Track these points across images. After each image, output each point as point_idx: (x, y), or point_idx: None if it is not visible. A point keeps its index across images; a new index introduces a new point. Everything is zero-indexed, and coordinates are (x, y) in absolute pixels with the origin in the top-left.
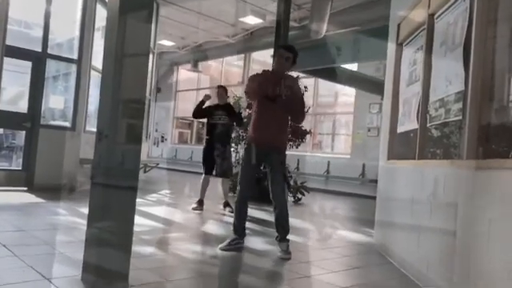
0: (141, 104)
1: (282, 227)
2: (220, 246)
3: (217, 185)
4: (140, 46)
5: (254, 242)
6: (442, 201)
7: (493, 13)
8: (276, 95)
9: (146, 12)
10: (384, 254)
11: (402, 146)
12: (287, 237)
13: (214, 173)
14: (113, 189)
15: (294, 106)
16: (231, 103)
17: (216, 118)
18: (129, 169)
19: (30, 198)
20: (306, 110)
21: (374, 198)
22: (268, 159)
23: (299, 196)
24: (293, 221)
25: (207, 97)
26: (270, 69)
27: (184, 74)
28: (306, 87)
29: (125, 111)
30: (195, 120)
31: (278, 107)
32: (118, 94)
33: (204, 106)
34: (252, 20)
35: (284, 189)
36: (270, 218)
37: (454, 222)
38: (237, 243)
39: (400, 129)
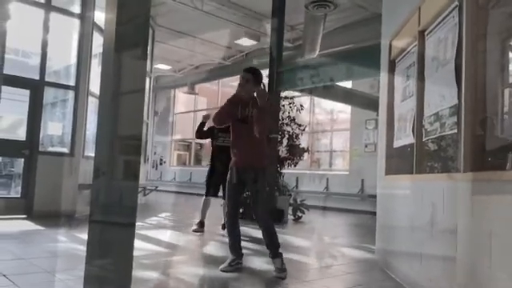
0: (138, 140)
1: (270, 244)
2: (221, 267)
3: (217, 206)
4: (136, 83)
5: (254, 261)
6: (442, 214)
7: (482, 27)
8: (246, 116)
9: (142, 49)
10: (386, 271)
11: (400, 161)
12: (279, 251)
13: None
14: (111, 226)
15: (262, 119)
16: None
17: (220, 140)
18: (127, 205)
19: (30, 225)
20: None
21: (375, 213)
22: (247, 180)
23: (299, 214)
24: (293, 239)
25: (206, 117)
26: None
27: (181, 96)
28: (302, 106)
29: (122, 148)
30: (193, 141)
31: (250, 128)
32: (115, 131)
33: (207, 127)
34: (246, 42)
35: (264, 206)
36: None
37: (455, 236)
38: (237, 263)
39: (396, 144)
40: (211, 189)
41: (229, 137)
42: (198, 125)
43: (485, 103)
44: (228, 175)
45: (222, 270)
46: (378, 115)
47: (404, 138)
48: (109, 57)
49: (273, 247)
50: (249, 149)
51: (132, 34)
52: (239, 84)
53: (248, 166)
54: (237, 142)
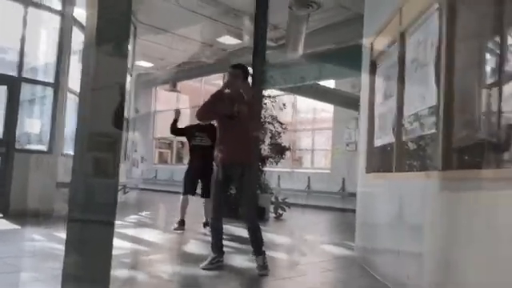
0: (117, 136)
1: (254, 241)
2: (201, 265)
3: (197, 204)
4: (117, 79)
5: (234, 259)
6: (419, 212)
7: (461, 30)
8: (232, 113)
9: (123, 44)
10: (366, 267)
11: (380, 160)
12: (262, 249)
13: (196, 192)
14: (89, 224)
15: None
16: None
17: (197, 139)
18: (106, 203)
19: (5, 224)
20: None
21: (355, 211)
22: (234, 177)
23: (280, 212)
24: (273, 236)
25: (177, 113)
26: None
27: (162, 94)
28: (284, 104)
29: (101, 145)
30: (175, 140)
31: (237, 125)
32: (94, 127)
33: (185, 126)
34: (229, 40)
35: (251, 203)
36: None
37: (431, 232)
38: (217, 261)
39: (377, 142)
40: (188, 187)
41: (206, 136)
42: (170, 124)
43: (462, 103)
44: (214, 172)
45: (203, 268)
46: (359, 114)
47: (384, 137)
48: (89, 52)
49: (257, 245)
50: (236, 145)
51: (113, 29)
52: (227, 80)
53: (235, 162)
54: (223, 139)
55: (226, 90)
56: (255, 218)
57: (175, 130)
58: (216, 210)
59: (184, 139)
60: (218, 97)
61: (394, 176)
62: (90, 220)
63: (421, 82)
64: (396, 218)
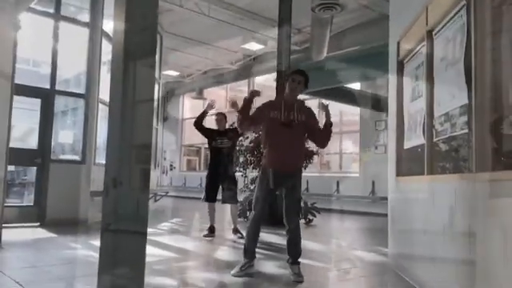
0: (148, 149)
1: (294, 250)
2: (232, 272)
3: (225, 210)
4: (145, 90)
5: (266, 266)
6: (454, 216)
7: (491, 25)
8: (290, 120)
9: (150, 56)
10: (400, 273)
11: (410, 162)
12: (299, 259)
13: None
14: (123, 234)
15: (323, 134)
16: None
17: (218, 142)
18: (138, 213)
19: (43, 233)
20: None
21: (386, 215)
22: (284, 184)
23: (310, 217)
24: (305, 243)
25: (210, 106)
26: (273, 94)
27: (189, 102)
28: (323, 112)
29: (132, 156)
30: (202, 146)
31: (292, 132)
32: (125, 139)
33: (208, 127)
34: (254, 46)
35: (298, 212)
36: (281, 241)
37: (469, 238)
38: (248, 267)
39: (407, 145)
40: (210, 195)
41: (226, 138)
42: (199, 114)
43: (496, 102)
44: (259, 179)
45: (234, 275)
46: (387, 116)
47: (414, 138)
48: (118, 65)
49: (295, 254)
50: (290, 153)
51: (140, 43)
52: (290, 86)
53: (288, 171)
54: (276, 146)
55: (291, 97)
56: (299, 226)
57: (200, 124)
58: (258, 217)
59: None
60: (271, 104)
61: (426, 179)
62: (122, 230)
63: (451, 81)
64: (430, 223)
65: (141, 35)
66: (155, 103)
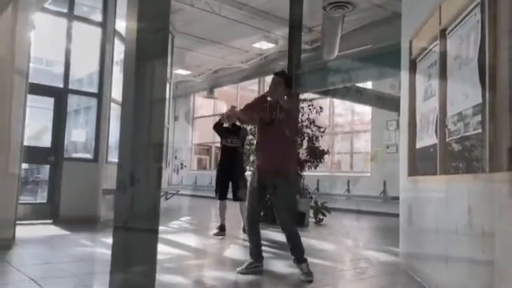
0: (160, 147)
1: (295, 250)
2: (238, 269)
3: (237, 209)
4: (157, 90)
5: (274, 265)
6: (467, 216)
7: (506, 24)
8: (272, 120)
9: (162, 56)
10: (411, 274)
11: (423, 162)
12: (304, 256)
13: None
14: (135, 232)
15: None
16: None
17: (228, 140)
18: (150, 211)
19: (56, 230)
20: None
21: (398, 215)
22: (271, 184)
23: (320, 217)
24: (315, 242)
25: (225, 117)
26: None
27: (200, 101)
28: (321, 108)
29: (145, 155)
30: (213, 145)
31: (275, 131)
32: (138, 138)
33: (224, 126)
34: (265, 45)
35: (288, 212)
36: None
37: (482, 238)
38: (254, 266)
39: (419, 144)
40: (220, 193)
41: (236, 137)
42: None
43: (510, 101)
44: (250, 179)
45: (239, 273)
46: (399, 116)
47: (427, 138)
48: (130, 65)
49: (297, 253)
50: (273, 152)
51: (153, 42)
52: (270, 87)
53: (271, 170)
54: (261, 145)
55: (268, 98)
56: (292, 225)
57: (217, 126)
58: (251, 218)
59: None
60: (261, 101)
61: (439, 179)
62: (134, 228)
63: (464, 80)
64: (442, 223)
65: (153, 35)
66: (166, 102)
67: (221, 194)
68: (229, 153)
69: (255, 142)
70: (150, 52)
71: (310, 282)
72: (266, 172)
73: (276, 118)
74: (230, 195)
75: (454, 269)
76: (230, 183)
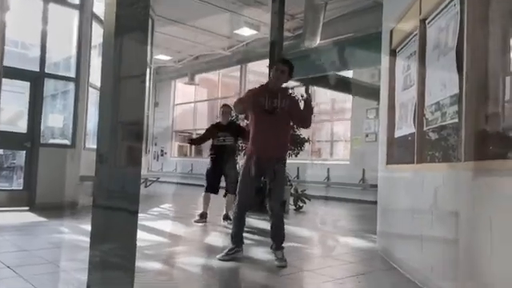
0: (139, 126)
1: (277, 236)
2: (218, 256)
3: (219, 197)
4: (137, 67)
5: (253, 251)
6: (443, 204)
7: (484, 14)
8: (274, 108)
9: (142, 33)
10: (388, 260)
11: (401, 151)
12: (282, 245)
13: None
14: (113, 212)
15: (303, 113)
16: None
17: (220, 139)
18: (129, 191)
19: (32, 217)
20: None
21: (376, 202)
22: (268, 171)
23: (300, 204)
24: (294, 229)
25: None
26: (266, 80)
27: (181, 87)
28: (302, 95)
29: (124, 133)
30: (194, 132)
31: (276, 119)
32: (117, 116)
33: (207, 128)
34: (247, 32)
35: (281, 198)
36: (269, 227)
37: (456, 225)
38: (235, 252)
39: (397, 133)
40: (211, 186)
41: (229, 135)
42: (195, 140)
43: (486, 92)
44: (243, 166)
45: (220, 259)
46: (378, 104)
47: (405, 127)
48: (109, 40)
49: (278, 240)
50: (273, 140)
51: (132, 22)
52: (274, 75)
53: (271, 157)
54: (260, 133)
55: (275, 85)
56: (282, 213)
57: (196, 141)
58: (243, 205)
59: (203, 131)
60: (259, 91)
61: (416, 167)
62: (114, 207)
63: (442, 70)
64: (418, 211)
65: (132, 15)
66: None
67: (210, 188)
68: (221, 152)
69: (251, 129)
70: (129, 26)
71: (284, 267)
72: (268, 159)
73: (278, 105)
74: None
75: (428, 255)
76: (224, 178)
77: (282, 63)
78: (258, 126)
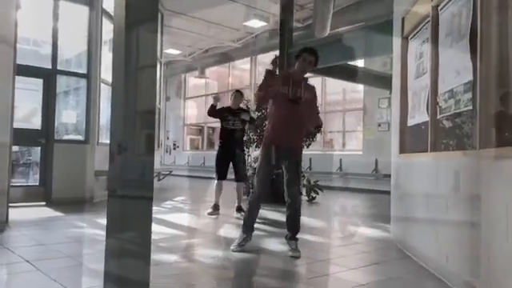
0: (152, 115)
1: (293, 226)
2: (232, 247)
3: (230, 189)
4: (148, 58)
5: (266, 242)
6: (458, 192)
7: (497, 0)
8: (298, 97)
9: (152, 24)
10: (402, 249)
11: (414, 139)
12: (297, 235)
13: (231, 177)
14: (130, 200)
15: (314, 109)
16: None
17: (230, 123)
18: (144, 179)
19: (49, 212)
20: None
21: (389, 192)
22: (286, 160)
23: (313, 195)
24: (308, 220)
25: (216, 99)
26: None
27: (192, 81)
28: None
29: (137, 122)
30: (205, 126)
31: (297, 109)
32: (129, 106)
33: (219, 108)
34: (256, 23)
35: (299, 187)
36: (282, 218)
37: (471, 214)
38: (246, 240)
39: (410, 122)
40: (220, 172)
41: (238, 119)
42: (209, 107)
43: (500, 78)
44: (261, 154)
45: (234, 250)
46: (390, 94)
47: (418, 115)
48: (120, 31)
49: (294, 230)
50: (293, 130)
51: (141, 17)
52: (301, 64)
53: (290, 146)
54: (282, 122)
55: (300, 74)
56: (300, 202)
57: (213, 113)
58: (260, 194)
59: (215, 125)
60: (285, 77)
61: (430, 156)
62: (125, 195)
63: (455, 57)
64: (432, 200)
65: (141, 10)
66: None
67: (220, 175)
68: (229, 135)
69: (270, 117)
70: (138, 27)
71: (298, 257)
72: (288, 149)
73: (301, 96)
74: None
75: (443, 244)
76: (232, 165)
77: (310, 53)
78: (279, 114)
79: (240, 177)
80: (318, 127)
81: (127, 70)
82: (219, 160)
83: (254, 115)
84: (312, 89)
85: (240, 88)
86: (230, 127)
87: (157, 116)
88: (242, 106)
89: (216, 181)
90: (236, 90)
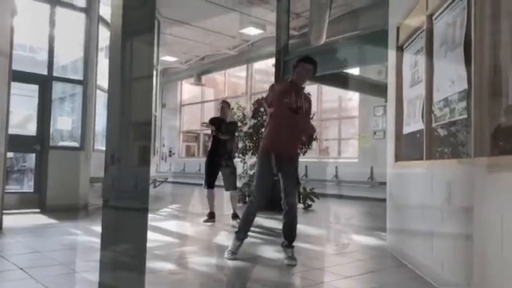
0: (148, 126)
1: (290, 234)
2: (226, 255)
3: (225, 196)
4: (144, 68)
5: (264, 250)
6: (453, 201)
7: (492, 9)
8: (299, 107)
9: (149, 34)
10: (398, 257)
11: (409, 147)
12: (293, 243)
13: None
14: (124, 211)
15: (309, 118)
16: (234, 116)
17: (224, 134)
18: (139, 190)
19: (43, 219)
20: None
21: (385, 200)
22: (283, 168)
23: (309, 202)
24: (304, 227)
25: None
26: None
27: (188, 88)
28: (309, 94)
29: (132, 133)
30: (201, 132)
31: (297, 118)
32: (126, 117)
33: (215, 117)
34: (252, 31)
35: (296, 195)
36: (278, 226)
37: (466, 222)
38: (240, 246)
39: (406, 130)
40: (209, 181)
41: (230, 130)
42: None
43: (495, 87)
44: (259, 163)
45: (229, 258)
46: (386, 102)
47: (413, 124)
48: (116, 41)
49: (290, 238)
50: (293, 139)
51: (138, 24)
52: (300, 73)
53: (289, 155)
54: (279, 130)
55: (299, 83)
56: (297, 210)
57: (215, 123)
58: (259, 203)
59: (210, 132)
60: (285, 86)
61: (425, 164)
62: (120, 207)
63: (450, 66)
64: (428, 208)
65: (138, 17)
66: (153, 90)
67: (209, 183)
68: (219, 143)
69: (269, 126)
70: (135, 34)
71: (294, 265)
72: (289, 157)
73: (302, 105)
74: (218, 182)
75: (439, 252)
76: (221, 174)
77: (308, 62)
78: (280, 123)
79: (229, 186)
80: (311, 136)
81: (124, 81)
82: (208, 168)
83: (251, 122)
84: (309, 98)
85: (236, 96)
86: (220, 137)
87: (152, 123)
88: (230, 115)
89: (207, 190)
90: (223, 100)
